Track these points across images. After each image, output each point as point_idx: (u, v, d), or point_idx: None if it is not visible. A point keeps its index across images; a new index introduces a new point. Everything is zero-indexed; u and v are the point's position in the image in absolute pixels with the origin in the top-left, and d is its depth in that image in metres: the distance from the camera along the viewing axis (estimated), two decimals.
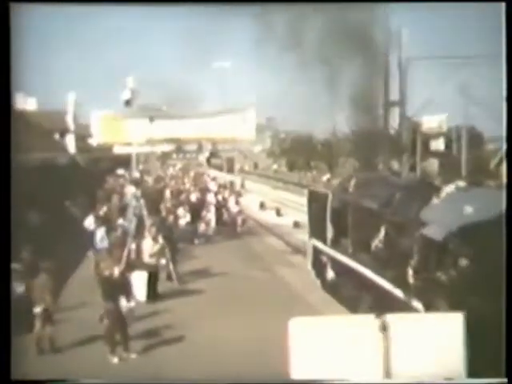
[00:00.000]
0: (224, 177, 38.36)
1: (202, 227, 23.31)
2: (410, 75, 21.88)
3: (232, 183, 33.59)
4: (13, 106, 11.36)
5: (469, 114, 23.42)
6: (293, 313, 13.68)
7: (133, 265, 14.44)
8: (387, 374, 6.76)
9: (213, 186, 29.46)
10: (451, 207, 10.68)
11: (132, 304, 11.90)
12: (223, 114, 30.60)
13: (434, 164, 26.51)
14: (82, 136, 36.33)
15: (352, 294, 14.17)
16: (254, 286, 16.62)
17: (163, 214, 21.12)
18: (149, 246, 16.01)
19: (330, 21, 21.22)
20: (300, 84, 24.51)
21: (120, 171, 35.10)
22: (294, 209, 28.61)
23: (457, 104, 22.60)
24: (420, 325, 6.95)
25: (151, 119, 28.92)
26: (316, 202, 17.40)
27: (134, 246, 16.13)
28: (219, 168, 43.20)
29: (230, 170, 41.78)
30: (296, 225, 26.01)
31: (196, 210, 23.64)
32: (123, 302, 11.55)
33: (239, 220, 24.92)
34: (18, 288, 13.05)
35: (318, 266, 17.10)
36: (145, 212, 17.50)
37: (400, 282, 11.30)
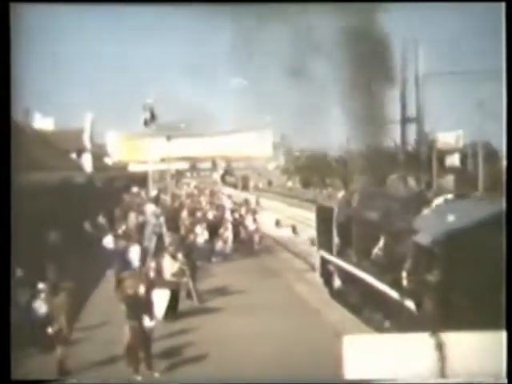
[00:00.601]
0: (239, 194, 38.40)
1: (219, 245, 23.32)
2: (426, 91, 21.89)
3: (247, 201, 33.61)
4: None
5: (485, 130, 23.39)
6: (311, 330, 13.90)
7: (153, 283, 14.45)
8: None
9: (229, 204, 29.51)
10: (438, 216, 11.98)
11: (153, 322, 11.93)
12: (239, 132, 30.73)
13: (449, 180, 26.49)
14: (99, 155, 36.60)
15: (357, 300, 15.32)
16: (272, 303, 16.59)
17: (182, 231, 21.17)
18: (169, 264, 16.04)
19: (345, 36, 21.34)
20: (313, 101, 24.59)
21: (135, 189, 35.28)
22: (309, 226, 28.53)
23: (473, 120, 22.57)
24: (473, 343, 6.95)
25: (169, 138, 29.09)
26: (323, 216, 18.56)
27: (153, 264, 16.20)
28: (233, 186, 43.30)
29: (245, 188, 41.87)
30: (313, 242, 25.94)
31: (213, 228, 23.67)
32: (146, 321, 11.58)
33: (256, 238, 24.92)
34: (42, 308, 13.14)
35: (326, 275, 18.13)
36: (164, 230, 17.56)
37: (396, 284, 12.49)
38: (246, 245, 24.65)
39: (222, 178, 42.09)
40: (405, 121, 22.83)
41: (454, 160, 26.10)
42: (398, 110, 23.00)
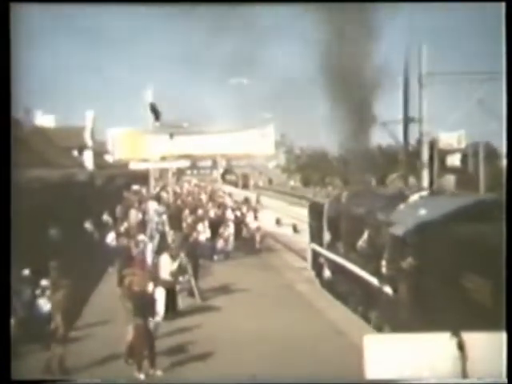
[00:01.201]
0: (239, 193, 38.46)
1: (220, 243, 23.34)
2: (428, 91, 21.87)
3: (248, 199, 33.64)
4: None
5: (486, 130, 23.43)
6: (313, 328, 13.95)
7: (157, 281, 14.48)
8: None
9: (230, 202, 29.54)
10: (411, 210, 13.41)
11: (158, 319, 11.96)
12: (241, 131, 30.75)
13: (450, 180, 26.50)
14: (100, 152, 36.66)
15: (345, 289, 16.60)
16: (273, 301, 16.63)
17: (184, 230, 21.18)
18: (166, 263, 16.02)
19: (344, 37, 21.35)
20: (313, 100, 24.62)
21: (136, 187, 35.33)
22: None
23: (474, 120, 22.60)
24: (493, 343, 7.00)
25: (171, 136, 29.11)
26: (315, 212, 20.18)
27: (155, 261, 16.21)
28: (234, 184, 43.36)
29: (245, 186, 41.92)
30: None
31: (215, 226, 23.70)
32: (152, 318, 11.63)
33: (258, 236, 24.95)
34: (46, 306, 13.15)
35: (317, 267, 19.52)
36: (167, 228, 17.57)
37: (376, 272, 13.93)
38: (248, 243, 24.68)
39: (223, 176, 42.17)
40: (407, 120, 22.82)
41: (455, 160, 26.12)
42: (401, 109, 22.99)
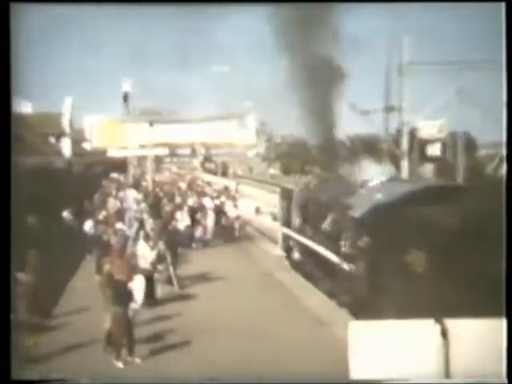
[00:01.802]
0: (219, 181, 38.27)
1: (199, 231, 23.24)
2: (409, 80, 21.93)
3: (227, 187, 33.49)
4: (12, 107, 11.22)
5: (467, 120, 23.56)
6: (291, 316, 13.97)
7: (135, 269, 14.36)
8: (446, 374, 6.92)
9: (209, 191, 29.41)
10: (369, 195, 14.64)
11: (137, 307, 11.89)
12: (221, 119, 30.57)
13: (429, 169, 26.66)
14: (77, 140, 36.26)
15: (312, 269, 17.64)
16: (252, 290, 16.62)
17: (163, 218, 21.04)
18: (144, 251, 15.90)
19: (327, 24, 21.34)
20: (295, 88, 24.53)
21: (114, 175, 35.02)
22: None
23: (455, 109, 22.69)
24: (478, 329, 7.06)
25: (151, 124, 28.88)
26: (285, 197, 21.25)
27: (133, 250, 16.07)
28: (213, 172, 43.15)
29: (225, 175, 41.74)
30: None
31: (194, 215, 23.58)
32: (133, 304, 11.55)
33: (237, 224, 24.88)
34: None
35: (287, 249, 20.68)
36: (145, 216, 17.45)
37: (338, 251, 15.08)
38: (227, 231, 24.61)
39: (202, 164, 41.97)
40: (387, 110, 22.88)
41: (435, 149, 26.26)
42: (381, 98, 23.04)
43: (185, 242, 21.67)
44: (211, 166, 45.09)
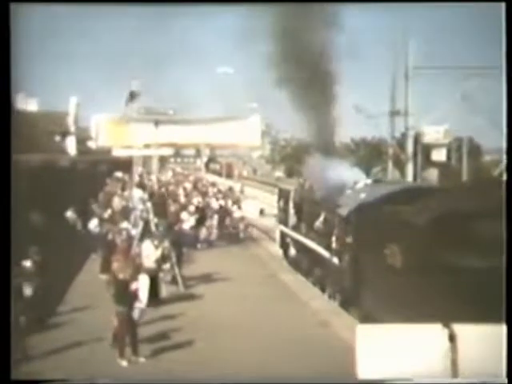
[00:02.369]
0: (223, 182, 38.34)
1: (204, 232, 23.29)
2: (415, 85, 21.97)
3: (231, 188, 33.56)
4: (13, 106, 11.24)
5: (472, 125, 23.60)
6: (295, 317, 14.01)
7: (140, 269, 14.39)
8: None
9: (214, 191, 29.46)
10: (355, 195, 15.79)
11: (143, 307, 11.93)
12: (227, 120, 30.62)
13: (433, 173, 26.68)
14: (82, 138, 36.33)
15: (306, 265, 18.68)
16: (256, 291, 16.65)
17: (168, 218, 21.08)
18: (149, 250, 15.93)
19: (332, 27, 21.36)
20: (300, 91, 24.56)
21: (119, 174, 35.06)
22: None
23: (460, 114, 22.74)
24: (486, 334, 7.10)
25: (157, 123, 28.93)
26: (282, 196, 22.45)
27: (138, 249, 16.10)
28: (218, 173, 43.23)
29: (229, 176, 41.80)
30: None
31: (199, 215, 23.63)
32: (137, 303, 11.59)
33: (241, 226, 24.94)
34: (26, 290, 13.06)
35: (284, 246, 21.73)
36: (151, 216, 17.48)
37: (328, 247, 16.18)
38: (231, 232, 24.66)
39: (206, 165, 42.04)
40: (393, 114, 22.93)
41: (440, 154, 26.28)
42: (387, 103, 23.11)
43: (190, 243, 21.70)
44: (215, 166, 45.17)
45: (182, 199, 26.18)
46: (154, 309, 14.41)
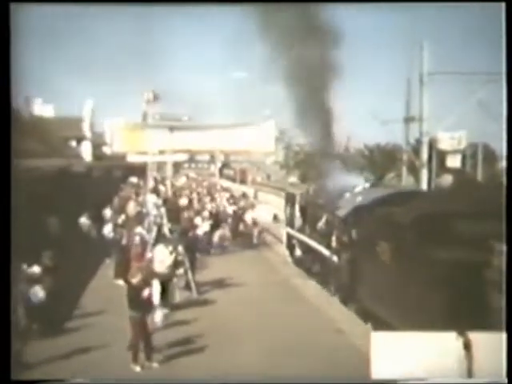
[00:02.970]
0: (237, 188, 38.36)
1: (217, 238, 23.29)
2: (430, 90, 21.87)
3: (245, 194, 33.58)
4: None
5: (486, 131, 23.46)
6: (308, 323, 13.96)
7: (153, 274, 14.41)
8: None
9: (228, 197, 29.48)
10: (352, 198, 17.23)
11: (166, 311, 11.96)
12: (241, 126, 30.65)
13: (447, 180, 26.53)
14: (97, 144, 36.50)
15: (310, 264, 19.67)
16: (269, 297, 16.63)
17: (182, 223, 21.10)
18: (163, 255, 15.91)
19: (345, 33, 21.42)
20: (314, 97, 24.58)
21: (133, 179, 35.20)
22: None
23: (475, 120, 22.61)
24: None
25: (171, 129, 29.02)
26: (289, 200, 23.80)
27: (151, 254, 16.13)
28: (232, 179, 43.28)
29: (243, 181, 41.83)
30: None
31: (212, 221, 23.65)
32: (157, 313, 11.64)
33: (255, 231, 24.92)
34: (39, 293, 13.14)
35: (290, 247, 22.88)
36: (165, 221, 17.51)
37: (329, 246, 17.38)
38: (245, 238, 24.65)
39: (220, 170, 42.09)
40: (408, 120, 22.85)
41: (455, 160, 26.14)
42: (402, 108, 23.03)
43: (203, 248, 21.71)
44: (229, 172, 45.24)
45: (196, 205, 26.21)
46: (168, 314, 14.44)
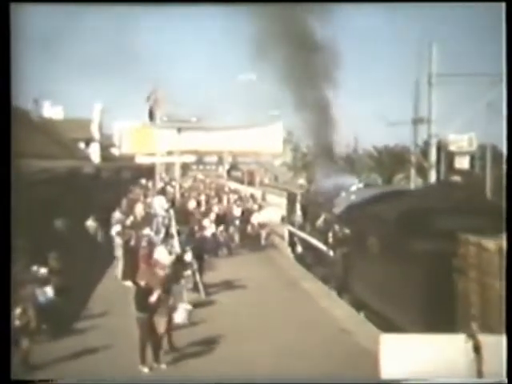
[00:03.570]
0: (245, 189, 38.35)
1: (225, 239, 23.29)
2: (439, 92, 21.80)
3: (253, 196, 33.55)
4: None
5: (495, 133, 23.36)
6: (316, 325, 13.94)
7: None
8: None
9: (236, 198, 29.47)
10: (347, 197, 18.46)
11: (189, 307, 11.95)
12: (249, 128, 30.68)
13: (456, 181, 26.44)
14: (106, 146, 36.67)
15: (310, 260, 20.77)
16: (278, 299, 16.62)
17: (190, 224, 21.08)
18: (161, 255, 15.84)
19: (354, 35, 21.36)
20: (322, 99, 24.60)
21: (142, 181, 35.28)
22: None
23: (484, 122, 22.51)
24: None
25: (179, 131, 29.09)
26: (290, 199, 25.09)
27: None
28: (239, 180, 43.26)
29: (251, 183, 41.78)
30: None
31: (220, 222, 23.65)
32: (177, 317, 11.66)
33: (263, 233, 24.90)
34: (49, 293, 13.20)
35: (292, 244, 23.91)
36: (173, 222, 17.51)
37: (326, 242, 18.42)
38: (253, 240, 24.63)
39: (228, 172, 42.10)
40: (416, 121, 22.76)
41: (463, 162, 26.04)
42: (410, 109, 22.94)
43: (211, 250, 21.71)
44: (237, 173, 45.27)
45: (204, 206, 26.22)
46: None
